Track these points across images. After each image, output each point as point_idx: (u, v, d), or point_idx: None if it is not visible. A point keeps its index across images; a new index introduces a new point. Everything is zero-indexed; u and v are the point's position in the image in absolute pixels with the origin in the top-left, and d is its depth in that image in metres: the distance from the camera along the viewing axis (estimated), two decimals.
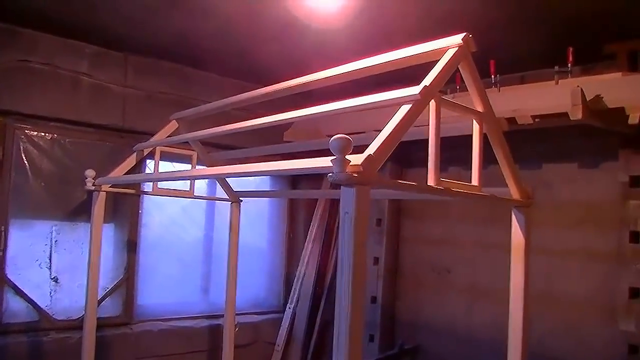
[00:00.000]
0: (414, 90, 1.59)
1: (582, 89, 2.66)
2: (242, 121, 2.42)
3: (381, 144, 1.45)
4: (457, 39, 1.78)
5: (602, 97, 2.73)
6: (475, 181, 1.86)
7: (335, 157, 1.38)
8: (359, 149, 1.44)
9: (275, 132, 4.25)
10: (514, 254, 2.12)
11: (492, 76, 3.39)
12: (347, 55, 2.30)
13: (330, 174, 1.39)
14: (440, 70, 1.70)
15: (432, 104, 1.67)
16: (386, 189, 1.59)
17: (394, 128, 1.50)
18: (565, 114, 2.79)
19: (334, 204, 4.95)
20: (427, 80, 1.64)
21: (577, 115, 2.67)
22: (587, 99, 2.72)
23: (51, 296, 3.75)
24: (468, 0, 2.84)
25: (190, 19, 3.26)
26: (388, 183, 1.53)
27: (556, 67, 3.12)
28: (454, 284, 4.18)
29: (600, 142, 3.40)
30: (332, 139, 1.39)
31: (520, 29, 3.17)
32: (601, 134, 3.22)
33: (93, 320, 3.27)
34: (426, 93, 1.60)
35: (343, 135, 1.39)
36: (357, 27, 3.22)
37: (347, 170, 1.37)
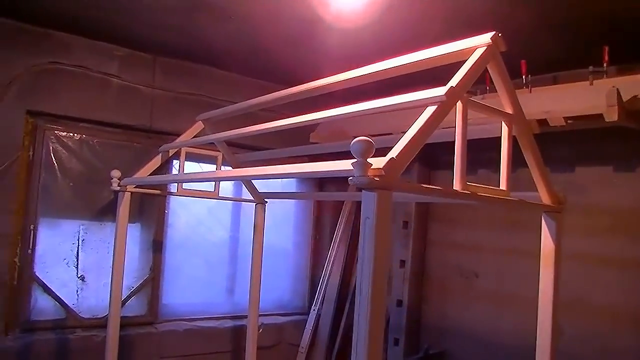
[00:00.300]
0: (440, 91, 1.54)
1: (618, 90, 2.56)
2: (267, 122, 2.39)
3: (404, 147, 1.40)
4: (485, 38, 1.72)
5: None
6: (503, 185, 1.79)
7: (356, 160, 1.34)
8: (386, 152, 1.39)
9: (301, 134, 4.22)
10: (544, 260, 2.04)
11: (524, 76, 3.30)
12: (372, 55, 2.25)
13: (351, 178, 1.35)
14: (468, 71, 1.64)
15: (459, 105, 1.62)
16: (409, 193, 1.53)
17: (418, 130, 1.45)
18: (600, 116, 2.69)
19: (360, 206, 4.88)
20: (454, 81, 1.58)
21: (612, 116, 2.57)
22: (624, 100, 2.62)
23: (78, 294, 3.79)
24: (497, 1, 2.76)
25: (213, 20, 3.26)
26: (411, 187, 1.48)
27: (591, 67, 3.01)
28: (481, 289, 4.09)
29: (636, 144, 3.27)
30: (353, 141, 1.35)
31: (552, 28, 3.07)
32: (637, 136, 3.10)
33: (117, 318, 3.29)
34: (452, 94, 1.54)
35: (365, 137, 1.34)
36: (382, 27, 3.17)
37: (368, 174, 1.32)
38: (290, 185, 5.02)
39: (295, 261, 5.09)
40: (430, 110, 1.52)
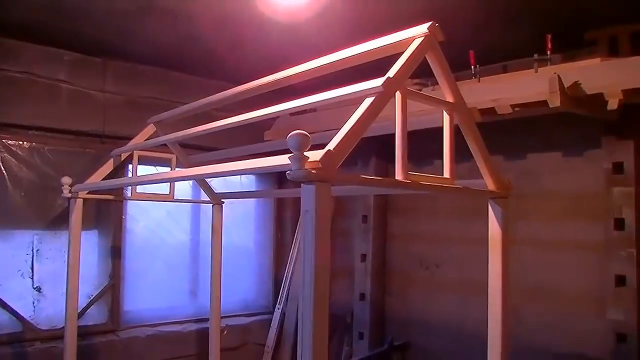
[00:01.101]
0: (377, 82, 1.54)
1: (559, 76, 2.62)
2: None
3: (342, 139, 1.40)
4: (422, 28, 1.74)
5: (581, 84, 2.69)
6: (447, 173, 1.82)
7: (293, 154, 1.34)
8: None
9: (257, 132, 4.20)
10: (492, 246, 2.08)
11: (472, 67, 3.35)
12: (318, 50, 2.24)
13: (289, 172, 1.35)
14: (406, 61, 1.65)
15: (398, 95, 1.63)
16: (349, 185, 1.54)
17: (356, 122, 1.46)
18: (545, 102, 2.75)
19: None
20: (391, 72, 1.60)
21: (555, 102, 2.63)
22: (566, 86, 2.68)
23: (34, 306, 3.70)
24: None
25: (161, 23, 3.24)
26: (350, 179, 1.48)
27: (535, 55, 3.07)
28: (444, 279, 4.14)
29: (584, 130, 3.36)
30: (289, 135, 1.35)
31: (501, 19, 3.12)
32: (584, 121, 3.18)
33: (74, 328, 3.22)
34: (389, 85, 1.55)
35: (301, 131, 1.34)
36: (327, 21, 3.16)
37: (305, 167, 1.32)
38: (250, 185, 5.00)
39: (258, 260, 5.07)
40: (368, 101, 1.53)
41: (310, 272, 1.32)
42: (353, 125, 1.45)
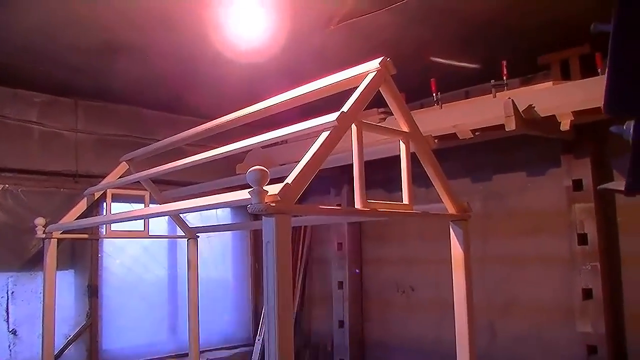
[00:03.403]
0: (332, 117, 1.63)
1: (513, 100, 2.75)
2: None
3: (299, 173, 1.48)
4: (374, 63, 1.83)
5: (534, 107, 2.83)
6: (406, 200, 1.90)
7: (253, 189, 1.41)
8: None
9: (229, 166, 4.27)
10: (455, 266, 2.16)
11: (434, 94, 3.47)
12: (278, 86, 2.34)
13: (249, 205, 1.42)
14: (359, 95, 1.75)
15: (354, 128, 1.72)
16: (308, 215, 1.61)
17: (313, 156, 1.53)
18: (502, 126, 2.87)
19: (296, 231, 4.96)
20: (346, 107, 1.68)
21: (511, 125, 2.75)
22: (520, 110, 2.80)
23: (10, 349, 3.67)
24: (402, 26, 2.92)
25: (128, 62, 3.34)
26: (308, 209, 1.56)
27: (492, 81, 3.22)
28: (420, 301, 4.21)
29: (544, 150, 3.50)
30: (248, 171, 1.42)
31: (461, 47, 3.26)
32: (544, 142, 3.32)
33: None
34: (344, 119, 1.64)
35: (259, 167, 1.41)
36: (287, 59, 3.31)
37: (265, 201, 1.39)
38: (226, 218, 5.04)
39: (237, 293, 5.08)
40: (324, 135, 1.61)
41: (274, 299, 1.38)
42: (310, 159, 1.52)
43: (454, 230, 2.16)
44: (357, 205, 1.68)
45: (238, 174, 4.14)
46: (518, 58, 3.27)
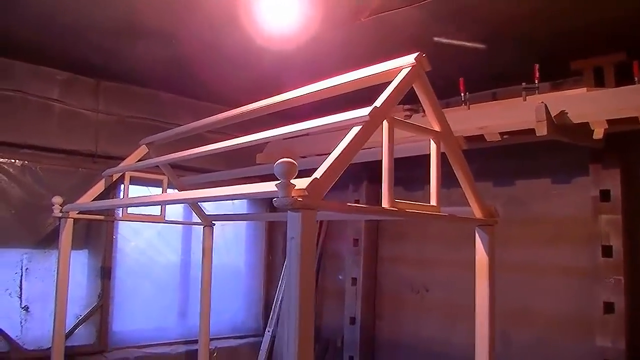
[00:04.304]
0: (364, 111, 1.58)
1: (546, 105, 2.67)
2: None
3: (328, 167, 1.43)
4: (409, 58, 1.78)
5: (567, 113, 2.74)
6: (433, 201, 1.84)
7: (280, 181, 1.36)
8: None
9: (248, 155, 4.23)
10: (478, 272, 2.10)
11: (462, 94, 3.40)
12: (305, 77, 2.28)
13: (275, 199, 1.37)
14: (392, 91, 1.69)
15: (385, 124, 1.66)
16: (335, 212, 1.56)
17: (343, 150, 1.48)
18: (532, 130, 2.79)
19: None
20: (378, 102, 1.63)
21: (542, 131, 2.67)
22: (552, 115, 2.72)
23: (22, 325, 3.67)
24: (433, 24, 2.84)
25: (153, 45, 3.28)
26: (335, 207, 1.50)
27: (523, 84, 3.13)
28: (434, 303, 4.15)
29: (571, 157, 3.40)
30: (276, 163, 1.37)
31: (491, 48, 3.17)
32: (572, 149, 3.23)
33: (60, 349, 3.20)
34: (376, 114, 1.59)
35: (288, 159, 1.37)
36: (317, 49, 3.24)
37: (292, 195, 1.35)
38: (242, 207, 5.01)
39: (249, 282, 5.06)
40: (355, 130, 1.56)
41: (295, 297, 1.33)
42: (340, 154, 1.47)
43: (479, 235, 2.11)
44: (385, 204, 1.63)
45: (258, 164, 4.09)
46: (548, 62, 3.18)
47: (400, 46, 2.16)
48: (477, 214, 2.07)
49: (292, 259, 1.35)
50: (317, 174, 1.41)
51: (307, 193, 1.35)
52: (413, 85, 1.80)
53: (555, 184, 3.56)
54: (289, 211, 1.37)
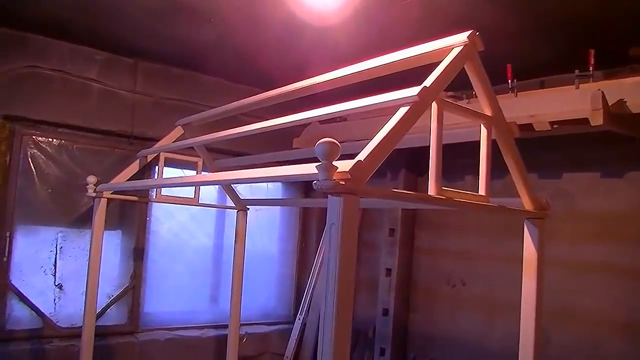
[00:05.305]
0: (412, 91, 1.47)
1: (603, 93, 2.50)
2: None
3: (373, 150, 1.33)
4: (462, 37, 1.65)
5: (626, 102, 2.57)
6: (482, 191, 1.72)
7: (321, 163, 1.27)
8: None
9: (285, 140, 4.16)
10: (526, 267, 1.98)
11: (509, 81, 3.24)
12: (349, 57, 2.17)
13: (316, 182, 1.27)
14: (443, 71, 1.57)
15: (434, 106, 1.55)
16: (379, 198, 1.46)
17: (389, 132, 1.38)
18: (586, 120, 2.63)
19: None
20: (428, 81, 1.52)
21: (597, 120, 2.51)
22: (609, 104, 2.55)
23: (55, 303, 3.69)
24: (480, 5, 2.69)
25: (194, 24, 3.22)
26: (379, 192, 1.40)
27: (577, 71, 2.95)
28: (471, 297, 4.01)
29: (624, 150, 3.21)
30: (317, 143, 1.27)
31: (540, 33, 3.01)
32: (624, 141, 3.05)
33: (91, 328, 3.18)
34: (425, 94, 1.47)
35: (329, 139, 1.27)
36: (357, 27, 3.08)
37: (333, 178, 1.25)
38: (276, 192, 4.95)
39: (281, 269, 5.00)
40: (402, 111, 1.45)
41: (334, 287, 1.24)
42: (386, 136, 1.37)
43: (528, 229, 1.98)
44: (431, 191, 1.52)
45: (294, 149, 4.01)
46: (601, 49, 2.99)
47: (445, 28, 2.02)
48: (528, 205, 1.94)
49: (331, 247, 1.26)
50: (361, 156, 1.31)
51: (349, 176, 1.25)
52: (465, 66, 1.68)
53: (604, 178, 3.37)
54: (329, 196, 1.27)
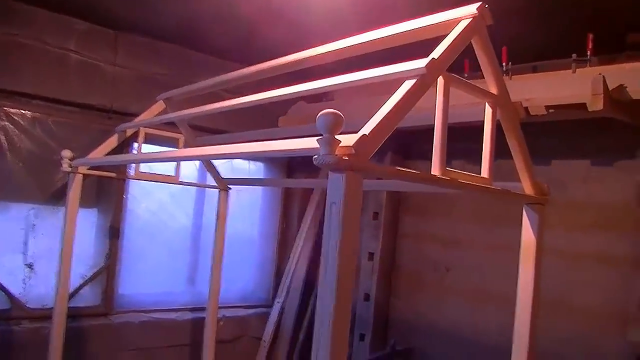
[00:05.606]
0: (420, 63, 1.36)
1: (604, 77, 2.42)
2: None
3: (379, 123, 1.22)
4: (471, 8, 1.55)
5: (626, 87, 2.49)
6: (485, 173, 1.63)
7: (322, 136, 1.15)
8: None
9: (270, 118, 4.02)
10: (524, 254, 1.90)
11: (504, 64, 3.15)
12: (350, 28, 2.04)
13: (316, 156, 1.16)
14: (451, 43, 1.47)
15: (440, 81, 1.45)
16: (383, 178, 1.36)
17: (394, 105, 1.27)
18: (583, 105, 2.55)
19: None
20: (436, 53, 1.41)
21: (597, 105, 2.43)
22: (609, 89, 2.48)
23: (25, 283, 3.53)
24: None
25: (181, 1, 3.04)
26: (385, 170, 1.30)
27: (574, 55, 2.87)
28: (456, 284, 3.95)
29: (617, 138, 3.16)
30: (319, 114, 1.16)
31: (535, 16, 2.92)
32: (618, 129, 2.99)
33: (63, 309, 3.05)
34: (433, 67, 1.37)
35: (333, 110, 1.16)
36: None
37: (336, 153, 1.14)
38: (258, 173, 4.82)
39: (261, 251, 4.89)
40: (408, 84, 1.34)
41: (333, 274, 1.14)
42: (391, 109, 1.26)
43: (527, 214, 1.90)
44: (435, 171, 1.42)
45: (280, 127, 3.88)
46: (597, 35, 2.91)
47: (439, 6, 1.90)
48: (528, 190, 1.86)
49: (331, 229, 1.15)
50: (366, 130, 1.20)
51: (354, 151, 1.14)
52: (472, 40, 1.58)
53: (596, 167, 3.31)
54: (330, 173, 1.17)
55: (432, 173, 1.42)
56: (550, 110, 2.73)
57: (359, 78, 1.51)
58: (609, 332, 3.14)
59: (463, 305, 3.87)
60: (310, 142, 1.21)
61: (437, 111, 1.44)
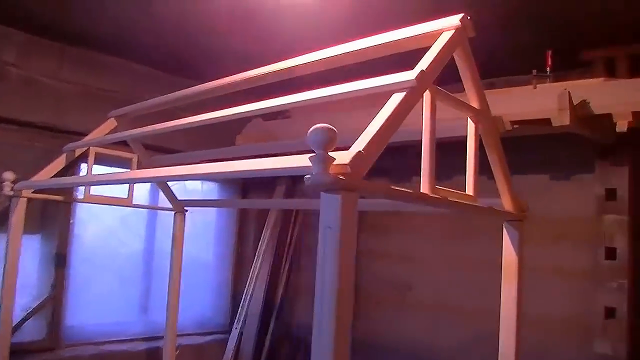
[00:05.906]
0: (409, 75, 1.29)
1: (569, 92, 2.44)
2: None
3: (372, 139, 1.13)
4: (454, 19, 1.50)
5: (589, 103, 2.52)
6: (470, 190, 1.57)
7: (315, 153, 1.06)
8: None
9: (227, 137, 3.88)
10: (506, 272, 1.86)
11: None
12: (328, 40, 1.95)
13: (308, 176, 1.06)
14: (437, 55, 1.41)
15: (427, 95, 1.38)
16: (377, 197, 1.28)
17: (386, 120, 1.19)
18: (547, 121, 2.56)
19: (286, 215, 4.62)
20: (424, 64, 1.35)
21: (564, 120, 2.44)
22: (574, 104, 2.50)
23: None
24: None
25: (132, 9, 2.89)
26: (379, 188, 1.22)
27: (534, 71, 2.90)
28: (417, 303, 3.90)
29: (575, 152, 3.20)
30: (311, 129, 1.07)
31: (492, 33, 2.93)
32: (576, 143, 3.02)
33: (6, 345, 2.80)
34: (422, 79, 1.30)
35: (326, 125, 1.07)
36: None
37: (330, 171, 1.05)
38: (211, 193, 4.66)
39: (217, 274, 4.70)
40: (397, 97, 1.27)
41: (330, 303, 1.04)
42: (383, 124, 1.18)
43: (507, 231, 1.87)
44: (425, 189, 1.35)
45: (237, 146, 3.75)
46: (553, 51, 2.97)
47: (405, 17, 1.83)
48: (508, 206, 1.82)
49: (326, 255, 1.06)
50: (359, 146, 1.11)
51: (349, 170, 1.05)
52: (454, 53, 1.52)
53: (554, 181, 3.35)
54: (323, 194, 1.07)
55: (421, 191, 1.35)
56: (515, 126, 2.73)
57: (339, 92, 1.43)
58: (572, 345, 3.15)
59: (424, 323, 3.81)
60: (302, 160, 1.11)
61: (424, 127, 1.37)
